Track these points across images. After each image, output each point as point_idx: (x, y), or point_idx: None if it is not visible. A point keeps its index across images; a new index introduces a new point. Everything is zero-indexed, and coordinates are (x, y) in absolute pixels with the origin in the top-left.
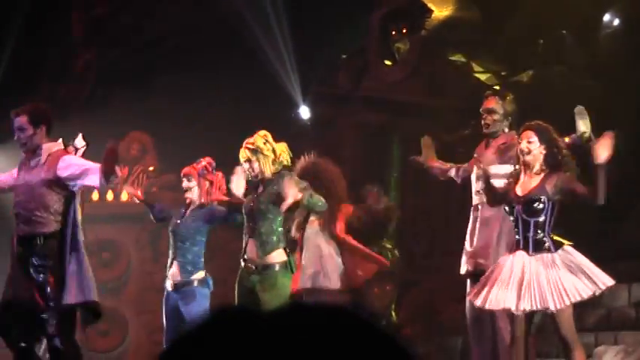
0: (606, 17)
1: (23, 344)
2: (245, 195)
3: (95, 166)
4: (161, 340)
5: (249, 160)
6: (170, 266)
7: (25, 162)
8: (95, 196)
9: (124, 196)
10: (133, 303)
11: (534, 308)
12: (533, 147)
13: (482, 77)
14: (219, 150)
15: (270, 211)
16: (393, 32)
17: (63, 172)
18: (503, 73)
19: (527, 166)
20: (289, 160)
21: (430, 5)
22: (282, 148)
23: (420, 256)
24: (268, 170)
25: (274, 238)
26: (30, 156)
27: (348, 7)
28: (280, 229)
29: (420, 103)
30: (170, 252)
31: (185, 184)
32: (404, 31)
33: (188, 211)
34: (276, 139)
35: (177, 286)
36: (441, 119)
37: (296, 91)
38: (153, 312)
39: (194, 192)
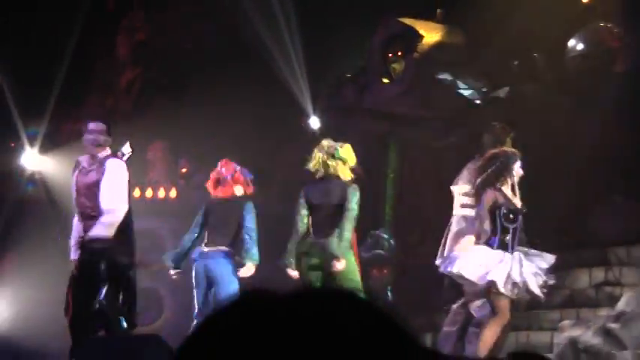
0: (571, 42)
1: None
2: None
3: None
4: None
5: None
6: None
7: (82, 167)
8: (137, 192)
9: (161, 194)
10: (168, 283)
11: None
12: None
13: (466, 93)
14: (241, 154)
15: None
16: (390, 54)
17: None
18: (483, 90)
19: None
20: None
21: (421, 31)
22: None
23: (413, 244)
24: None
25: None
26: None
27: (353, 32)
28: None
29: (413, 115)
30: None
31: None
32: (399, 53)
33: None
34: (291, 146)
35: None
36: (431, 128)
37: (308, 104)
38: (188, 290)
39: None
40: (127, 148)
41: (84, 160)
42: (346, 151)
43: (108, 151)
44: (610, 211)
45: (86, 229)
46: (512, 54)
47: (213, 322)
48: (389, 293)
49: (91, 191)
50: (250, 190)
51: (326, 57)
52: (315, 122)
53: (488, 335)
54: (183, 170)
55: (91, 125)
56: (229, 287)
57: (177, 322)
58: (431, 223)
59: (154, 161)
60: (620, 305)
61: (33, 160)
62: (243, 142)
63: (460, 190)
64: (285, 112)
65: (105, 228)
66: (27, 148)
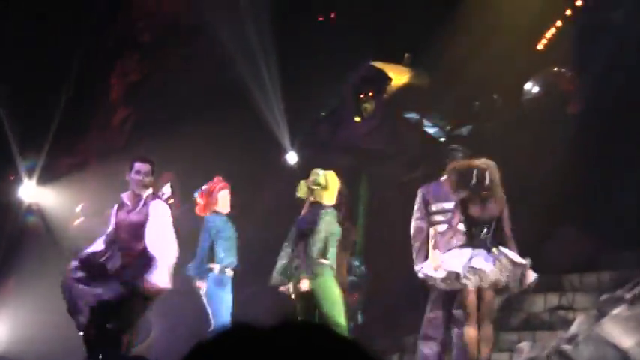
0: (527, 85)
1: None
2: None
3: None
4: (182, 335)
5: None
6: None
7: (125, 204)
8: None
9: None
10: (157, 305)
11: None
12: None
13: (431, 131)
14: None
15: None
16: (362, 95)
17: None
18: (447, 128)
19: None
20: None
21: (390, 74)
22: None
23: (382, 271)
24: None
25: None
26: (134, 199)
27: (328, 74)
28: None
29: (383, 151)
30: None
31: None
32: (370, 94)
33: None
34: (270, 180)
35: None
36: (399, 164)
37: (286, 140)
38: (174, 313)
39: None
40: (167, 189)
41: (126, 198)
42: (326, 178)
43: (150, 190)
44: (564, 240)
45: (126, 264)
46: (474, 95)
47: (196, 355)
48: (360, 316)
49: (134, 231)
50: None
51: (303, 97)
52: (292, 157)
53: (467, 338)
54: (171, 202)
55: (138, 166)
56: None
57: (164, 344)
58: (398, 251)
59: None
60: (573, 328)
61: (31, 192)
62: (229, 175)
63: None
64: (267, 148)
65: (164, 275)
66: (25, 180)
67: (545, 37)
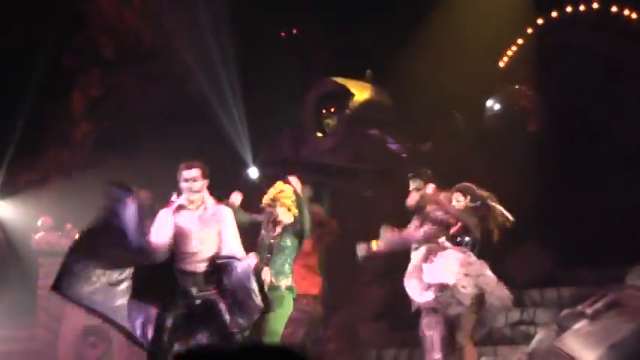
0: (489, 103)
1: None
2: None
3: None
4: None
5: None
6: None
7: (182, 211)
8: None
9: None
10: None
11: None
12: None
13: (393, 147)
14: None
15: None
16: (324, 110)
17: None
18: (408, 144)
19: None
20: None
21: (352, 90)
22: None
23: (344, 285)
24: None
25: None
26: (190, 205)
27: (290, 90)
28: None
29: (345, 167)
30: None
31: None
32: (332, 109)
33: None
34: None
35: None
36: (361, 179)
37: (248, 155)
38: None
39: None
40: (237, 198)
41: (184, 201)
42: (280, 192)
43: (205, 192)
44: (525, 256)
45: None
46: (434, 112)
47: None
48: (321, 331)
49: (208, 237)
50: None
51: (265, 112)
52: (253, 172)
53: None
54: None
55: (185, 174)
56: None
57: (123, 358)
58: (359, 266)
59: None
60: (534, 343)
61: None
62: None
63: None
64: (229, 163)
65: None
66: None
67: (506, 55)
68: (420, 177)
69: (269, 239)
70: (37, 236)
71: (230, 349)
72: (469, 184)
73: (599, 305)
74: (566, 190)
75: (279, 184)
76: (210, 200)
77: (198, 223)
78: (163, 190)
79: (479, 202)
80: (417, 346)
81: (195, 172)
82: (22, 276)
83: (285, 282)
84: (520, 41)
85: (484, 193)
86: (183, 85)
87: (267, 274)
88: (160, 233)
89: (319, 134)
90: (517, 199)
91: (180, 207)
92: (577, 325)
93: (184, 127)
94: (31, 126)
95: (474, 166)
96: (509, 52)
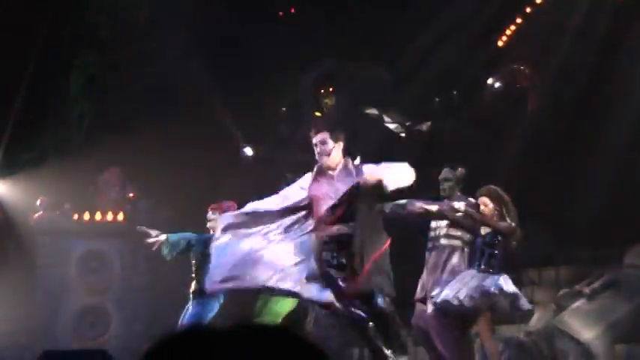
0: (488, 82)
1: None
2: None
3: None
4: (139, 331)
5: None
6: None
7: (322, 176)
8: (86, 215)
9: (109, 217)
10: (116, 300)
11: None
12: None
13: (391, 127)
14: (184, 180)
15: None
16: (322, 90)
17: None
18: (407, 124)
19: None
20: None
21: (351, 69)
22: None
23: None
24: None
25: None
26: (328, 169)
27: (289, 70)
28: None
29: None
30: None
31: (210, 215)
32: (330, 89)
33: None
34: (226, 175)
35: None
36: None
37: (242, 135)
38: (132, 308)
39: (215, 224)
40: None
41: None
42: None
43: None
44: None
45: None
46: (433, 91)
47: (152, 355)
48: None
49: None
50: None
51: (263, 92)
52: (249, 151)
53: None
54: (131, 195)
55: (315, 138)
56: None
57: (122, 338)
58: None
59: (104, 186)
60: (533, 322)
61: None
62: (186, 170)
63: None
64: (225, 142)
65: None
66: None
67: (505, 34)
68: (456, 177)
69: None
70: (36, 215)
71: (225, 329)
72: (493, 188)
73: (596, 285)
74: (565, 170)
75: None
76: None
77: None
78: (160, 169)
79: (504, 207)
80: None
81: (323, 135)
82: (20, 255)
83: None
84: (519, 20)
85: (506, 197)
86: (180, 64)
87: None
88: None
89: (317, 114)
90: (515, 178)
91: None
92: (575, 305)
93: (179, 108)
94: (29, 105)
95: (471, 144)
96: (508, 32)
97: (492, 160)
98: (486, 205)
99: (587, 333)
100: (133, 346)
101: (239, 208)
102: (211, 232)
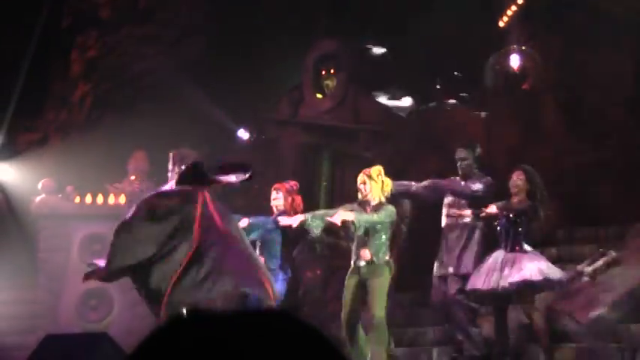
0: (490, 62)
1: None
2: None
3: None
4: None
5: (363, 183)
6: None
7: None
8: (88, 198)
9: (111, 199)
10: (118, 283)
11: None
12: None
13: (393, 107)
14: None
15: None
16: (323, 72)
17: None
18: (409, 105)
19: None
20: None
21: (352, 50)
22: (388, 182)
23: (342, 247)
24: (376, 195)
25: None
26: None
27: (289, 51)
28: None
29: (345, 128)
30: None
31: (274, 195)
32: (332, 70)
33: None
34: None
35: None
36: (361, 140)
37: (241, 116)
38: (133, 291)
39: (280, 203)
40: None
41: None
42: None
43: None
44: None
45: None
46: (435, 72)
47: (152, 341)
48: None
49: None
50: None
51: (264, 73)
52: (243, 134)
53: None
54: (132, 178)
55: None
56: None
57: (124, 321)
58: None
59: (130, 170)
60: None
61: None
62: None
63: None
64: (221, 125)
65: None
66: None
67: (506, 15)
68: (471, 148)
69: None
70: (38, 199)
71: (225, 313)
72: (530, 168)
73: (598, 264)
74: (566, 149)
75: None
76: None
77: None
78: (160, 151)
79: (535, 188)
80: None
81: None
82: (22, 239)
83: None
84: (520, 1)
85: (539, 180)
86: (180, 46)
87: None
88: None
89: (319, 95)
90: (516, 157)
91: None
92: (576, 285)
93: (176, 90)
94: (31, 87)
95: (474, 124)
96: (510, 12)
97: (493, 138)
98: (519, 177)
99: (588, 313)
100: (135, 328)
101: (300, 187)
102: (275, 210)
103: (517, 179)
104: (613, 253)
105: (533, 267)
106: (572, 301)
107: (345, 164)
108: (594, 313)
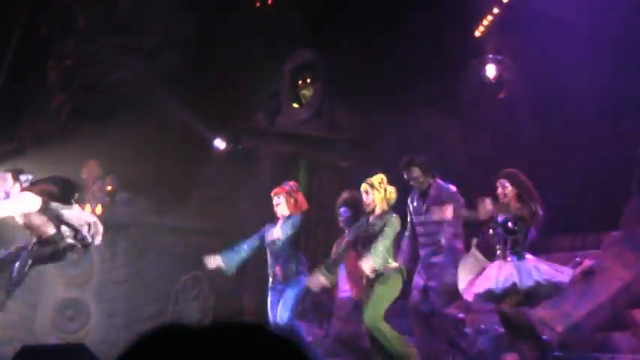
0: (467, 72)
1: None
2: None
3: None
4: (118, 324)
5: (366, 192)
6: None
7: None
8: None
9: (87, 210)
10: (94, 293)
11: None
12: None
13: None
14: (160, 172)
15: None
16: (300, 81)
17: None
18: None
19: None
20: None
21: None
22: (392, 190)
23: (321, 257)
24: (379, 204)
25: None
26: None
27: (266, 60)
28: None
29: (322, 137)
30: (270, 261)
31: (276, 201)
32: (308, 80)
33: (279, 222)
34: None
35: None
36: (337, 149)
37: (216, 127)
38: (111, 301)
39: (283, 207)
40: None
41: None
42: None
43: None
44: None
45: None
46: (409, 82)
47: (129, 354)
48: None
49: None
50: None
51: (240, 83)
52: (219, 143)
53: None
54: (109, 188)
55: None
56: None
57: (101, 331)
58: (336, 236)
59: (86, 179)
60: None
61: None
62: (161, 161)
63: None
64: (198, 135)
65: None
66: None
67: (482, 25)
68: (421, 167)
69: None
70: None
71: (201, 327)
72: (514, 171)
73: (575, 272)
74: (543, 158)
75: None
76: None
77: None
78: (138, 161)
79: (524, 191)
80: None
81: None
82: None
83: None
84: (496, 10)
85: (527, 181)
86: (157, 56)
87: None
88: None
89: (295, 105)
90: (491, 166)
91: None
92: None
93: (154, 99)
94: (7, 96)
95: (450, 133)
96: (485, 22)
97: (468, 148)
98: (504, 186)
99: (565, 321)
100: (112, 339)
101: (299, 188)
102: (279, 215)
103: (503, 189)
104: (589, 262)
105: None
106: (549, 309)
107: (322, 173)
108: (571, 321)
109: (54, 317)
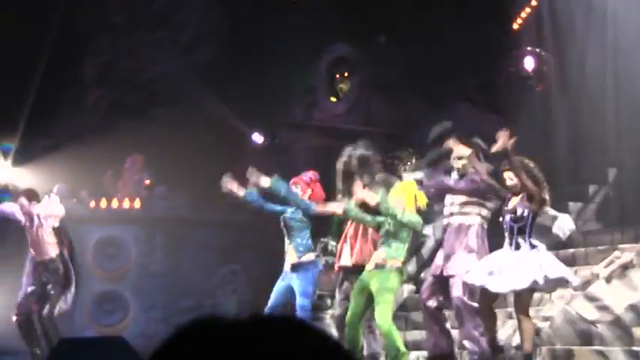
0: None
1: None
2: None
3: None
4: (156, 317)
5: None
6: (287, 251)
7: None
8: (103, 203)
9: (126, 204)
10: (132, 286)
11: None
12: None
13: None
14: (197, 166)
15: None
16: (337, 75)
17: None
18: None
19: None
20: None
21: (365, 54)
22: (421, 195)
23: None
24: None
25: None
26: None
27: (303, 55)
28: None
29: (358, 130)
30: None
31: (294, 189)
32: (345, 74)
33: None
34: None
35: (293, 267)
36: (374, 143)
37: (252, 121)
38: (149, 294)
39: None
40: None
41: None
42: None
43: None
44: None
45: None
46: (447, 75)
47: (167, 347)
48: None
49: None
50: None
51: (278, 77)
52: (257, 137)
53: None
54: (147, 182)
55: None
56: None
57: (139, 324)
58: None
59: (128, 172)
60: (549, 306)
61: (7, 173)
62: (198, 156)
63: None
64: (235, 129)
65: None
66: (1, 161)
67: (520, 17)
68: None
69: None
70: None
71: (236, 320)
72: (519, 158)
73: (614, 267)
74: (583, 151)
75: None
76: None
77: None
78: (175, 155)
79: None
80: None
81: None
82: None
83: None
84: (534, 3)
85: (534, 166)
86: (193, 51)
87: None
88: None
89: (332, 98)
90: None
91: None
92: (591, 288)
93: (191, 94)
94: (45, 92)
95: (485, 126)
96: (523, 14)
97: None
98: (510, 177)
99: (603, 316)
100: (149, 332)
101: (319, 178)
102: None
103: (510, 180)
104: (629, 255)
105: (538, 271)
106: (587, 302)
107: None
108: (610, 317)
109: (92, 311)
